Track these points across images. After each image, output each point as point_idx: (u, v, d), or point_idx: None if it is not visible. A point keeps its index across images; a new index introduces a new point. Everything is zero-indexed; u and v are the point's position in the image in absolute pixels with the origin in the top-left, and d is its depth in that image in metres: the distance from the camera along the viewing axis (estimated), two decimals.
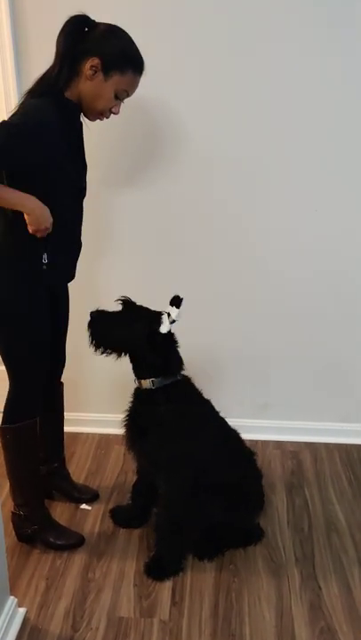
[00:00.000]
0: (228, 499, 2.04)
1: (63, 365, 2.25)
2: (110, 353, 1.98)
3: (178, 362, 2.00)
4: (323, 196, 2.46)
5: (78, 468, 2.57)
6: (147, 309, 1.97)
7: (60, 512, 2.31)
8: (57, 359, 2.20)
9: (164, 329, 1.90)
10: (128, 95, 1.85)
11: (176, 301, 1.90)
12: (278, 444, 2.78)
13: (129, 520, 2.25)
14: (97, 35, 1.75)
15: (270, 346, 2.70)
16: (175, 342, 1.99)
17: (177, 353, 2.00)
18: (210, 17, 2.25)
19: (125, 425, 2.05)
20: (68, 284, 2.11)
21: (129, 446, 2.07)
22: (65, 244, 1.92)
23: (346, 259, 2.55)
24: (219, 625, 1.84)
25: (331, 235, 2.52)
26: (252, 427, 2.77)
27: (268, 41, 2.27)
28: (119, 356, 1.98)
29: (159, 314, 1.92)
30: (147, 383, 1.97)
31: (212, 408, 2.11)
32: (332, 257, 2.55)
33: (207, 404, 2.10)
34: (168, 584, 1.99)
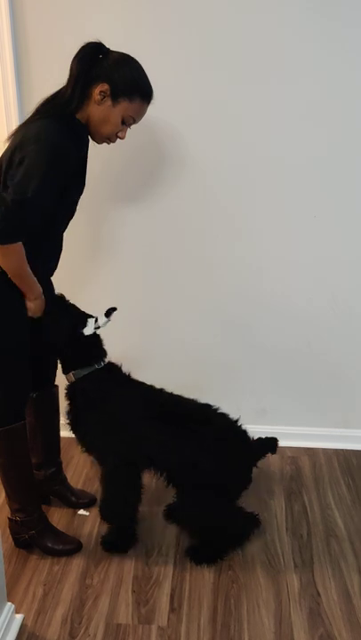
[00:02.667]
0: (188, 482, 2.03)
1: (56, 367, 2.24)
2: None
3: (97, 353, 2.08)
4: (322, 202, 2.47)
5: (76, 473, 2.56)
6: (76, 309, 2.05)
7: (58, 517, 2.29)
8: (47, 362, 2.19)
9: (87, 331, 2.00)
10: (135, 122, 1.90)
11: (108, 312, 2.01)
12: (277, 450, 2.76)
13: None
14: (109, 62, 1.81)
15: (269, 351, 2.69)
16: (99, 340, 2.07)
17: (98, 347, 2.08)
18: (212, 32, 2.26)
19: (68, 423, 2.11)
20: (67, 294, 2.11)
21: (78, 442, 2.12)
22: (50, 254, 2.00)
23: (345, 264, 2.55)
24: (217, 631, 1.83)
25: (330, 241, 2.52)
26: (250, 432, 2.75)
27: (268, 50, 2.28)
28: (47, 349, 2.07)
29: (86, 316, 2.02)
30: (70, 376, 2.06)
31: (137, 385, 2.10)
32: (331, 263, 2.55)
33: (130, 384, 2.10)
34: (166, 590, 1.97)
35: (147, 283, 2.60)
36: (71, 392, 2.08)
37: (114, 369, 2.10)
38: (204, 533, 2.11)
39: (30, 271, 1.82)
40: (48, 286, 2.08)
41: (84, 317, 2.03)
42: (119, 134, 1.91)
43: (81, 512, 2.33)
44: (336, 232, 2.51)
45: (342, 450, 2.78)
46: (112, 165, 2.44)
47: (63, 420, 2.32)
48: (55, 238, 1.98)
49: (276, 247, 2.54)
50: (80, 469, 2.60)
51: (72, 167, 1.81)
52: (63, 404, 2.29)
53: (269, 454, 2.18)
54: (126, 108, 1.84)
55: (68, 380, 2.08)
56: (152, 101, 1.89)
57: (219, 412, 2.09)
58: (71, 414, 2.08)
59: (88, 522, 2.29)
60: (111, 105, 1.82)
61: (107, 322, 2.01)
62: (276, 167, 2.43)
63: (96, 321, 2.00)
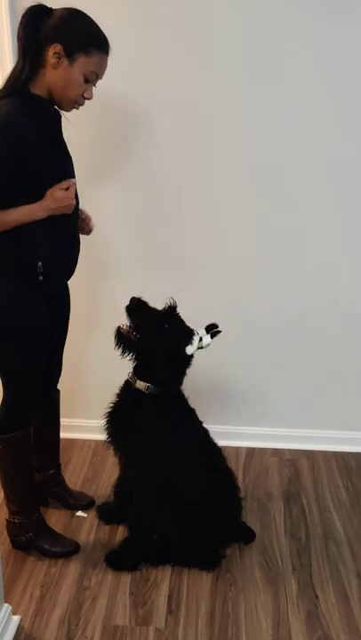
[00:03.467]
0: (188, 516, 2.01)
1: (59, 373, 2.24)
2: (127, 346, 1.94)
3: (180, 381, 2.02)
4: (322, 203, 2.47)
5: (74, 475, 2.55)
6: (184, 324, 1.97)
7: (56, 519, 2.29)
8: (53, 367, 2.18)
9: (190, 350, 1.91)
10: (98, 77, 1.78)
11: (213, 330, 1.92)
12: (276, 452, 2.76)
13: (110, 516, 2.27)
14: (55, 21, 1.70)
15: (268, 353, 2.69)
16: (189, 365, 1.99)
17: (184, 375, 2.00)
18: (211, 27, 2.27)
19: (107, 419, 2.05)
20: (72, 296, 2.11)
21: (109, 440, 2.06)
22: (60, 242, 1.88)
23: (345, 265, 2.55)
24: (215, 633, 1.82)
25: (330, 242, 2.52)
26: (249, 434, 2.76)
27: (270, 46, 2.29)
28: (130, 352, 1.95)
29: (192, 334, 1.93)
30: (141, 385, 1.98)
31: (196, 421, 2.09)
32: (331, 264, 2.55)
33: (193, 417, 2.08)
34: (164, 592, 1.97)
35: (147, 282, 2.59)
36: (135, 399, 1.99)
37: (181, 398, 2.05)
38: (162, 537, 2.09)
39: (13, 214, 1.72)
40: (64, 294, 2.06)
41: (190, 334, 1.92)
42: (85, 94, 1.77)
43: (79, 514, 2.33)
44: (337, 233, 2.51)
45: (341, 452, 2.77)
46: (111, 165, 2.44)
47: (64, 422, 2.34)
48: (56, 222, 1.82)
49: (277, 248, 2.54)
50: (78, 471, 2.59)
51: (30, 144, 1.70)
52: (63, 408, 2.31)
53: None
54: (85, 64, 1.71)
55: (136, 384, 1.99)
56: (111, 53, 1.76)
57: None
58: (123, 417, 2.01)
59: (86, 524, 2.28)
60: (68, 64, 1.70)
61: (209, 343, 1.91)
62: (276, 168, 2.43)
63: (200, 340, 1.90)
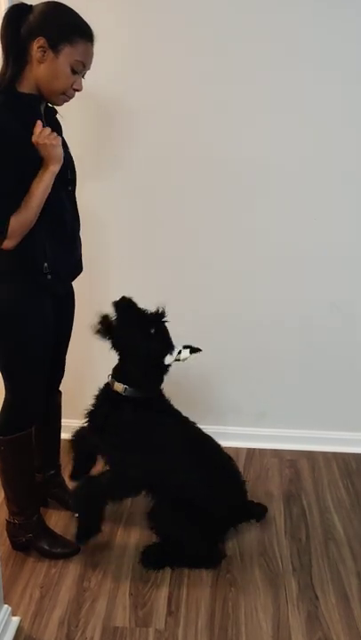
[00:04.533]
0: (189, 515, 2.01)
1: (62, 375, 2.24)
2: (109, 339, 1.97)
3: (157, 387, 2.04)
4: (322, 204, 2.47)
5: None
6: (167, 335, 1.99)
7: (56, 520, 2.29)
8: (56, 369, 2.18)
9: (167, 360, 1.95)
10: (85, 67, 1.76)
11: (194, 349, 1.97)
12: (276, 453, 2.76)
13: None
14: (36, 15, 1.70)
15: (268, 354, 2.69)
16: (166, 372, 2.02)
17: (161, 381, 2.03)
18: (213, 24, 2.27)
19: (86, 419, 2.08)
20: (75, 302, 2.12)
21: (91, 432, 2.09)
22: (63, 242, 1.89)
23: (347, 266, 2.55)
24: (215, 635, 1.82)
25: (330, 242, 2.52)
26: (249, 435, 2.75)
27: (269, 45, 2.29)
28: (113, 347, 1.98)
29: (172, 347, 1.96)
30: (119, 387, 2.00)
31: (181, 422, 2.10)
32: (333, 265, 2.55)
33: (175, 418, 2.09)
34: (164, 593, 1.97)
35: (148, 281, 2.59)
36: (112, 401, 2.02)
37: (161, 400, 2.07)
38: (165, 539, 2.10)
39: (35, 192, 1.72)
40: (69, 296, 2.08)
41: (170, 346, 1.96)
42: (75, 86, 1.76)
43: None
44: (338, 234, 2.51)
45: (341, 453, 2.77)
46: (111, 165, 2.44)
47: (65, 423, 2.33)
48: (57, 221, 1.84)
49: (278, 249, 2.54)
50: None
51: (19, 143, 1.70)
52: (64, 409, 2.30)
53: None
54: (70, 54, 1.70)
55: (114, 385, 2.01)
56: (96, 42, 1.74)
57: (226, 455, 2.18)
58: (98, 418, 2.04)
59: None
60: (54, 56, 1.69)
61: (187, 358, 1.95)
62: (276, 169, 2.43)
63: (179, 353, 1.95)
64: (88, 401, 2.75)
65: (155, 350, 1.96)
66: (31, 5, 1.73)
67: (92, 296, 2.51)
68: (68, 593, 1.96)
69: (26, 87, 1.75)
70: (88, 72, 1.79)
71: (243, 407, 2.77)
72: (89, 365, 2.64)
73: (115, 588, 1.99)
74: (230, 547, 2.17)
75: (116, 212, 2.51)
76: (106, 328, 1.96)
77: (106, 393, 2.06)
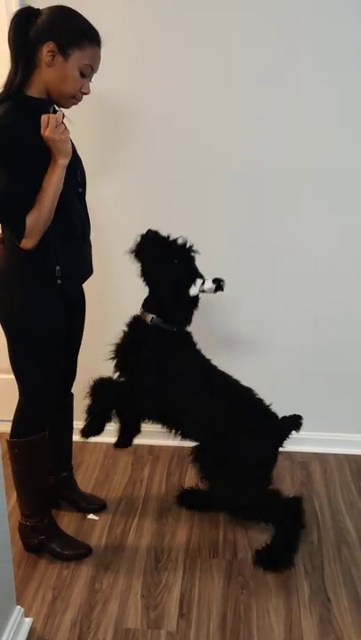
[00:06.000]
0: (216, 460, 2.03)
1: (74, 377, 2.25)
2: (138, 261, 1.99)
3: (184, 318, 2.03)
4: (332, 207, 2.46)
5: (86, 478, 2.56)
6: (194, 265, 2.00)
7: (68, 522, 2.30)
8: (68, 372, 2.19)
9: (192, 291, 1.95)
10: (93, 70, 1.79)
11: (218, 283, 1.94)
12: (287, 455, 2.75)
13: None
14: (44, 20, 1.71)
15: (280, 355, 2.69)
16: (195, 306, 2.02)
17: (190, 313, 2.03)
18: (214, 26, 2.27)
19: (115, 348, 2.06)
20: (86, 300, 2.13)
21: (116, 368, 2.07)
22: (74, 244, 1.91)
23: (357, 267, 2.54)
24: (227, 637, 1.82)
25: (339, 244, 2.51)
26: None
27: (269, 45, 2.29)
28: (141, 276, 1.99)
29: (198, 277, 1.96)
30: (147, 316, 2.01)
31: (200, 359, 2.09)
32: (342, 265, 2.54)
33: (195, 354, 2.09)
34: (176, 595, 1.97)
35: None
36: (139, 329, 2.02)
37: (185, 337, 2.07)
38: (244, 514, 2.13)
39: (48, 189, 1.73)
40: (80, 298, 2.09)
41: (196, 276, 1.96)
42: (83, 89, 1.78)
43: (91, 517, 2.33)
44: (347, 235, 2.50)
45: (353, 455, 2.76)
46: (114, 165, 2.45)
47: (76, 425, 2.34)
48: (68, 224, 1.86)
49: (284, 250, 2.53)
50: (90, 474, 2.60)
51: (29, 146, 1.72)
52: (75, 410, 2.31)
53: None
54: (79, 58, 1.72)
55: (143, 315, 2.02)
56: (105, 48, 1.76)
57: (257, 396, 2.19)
58: (124, 342, 2.04)
59: (97, 526, 2.28)
60: (63, 60, 1.71)
61: (211, 289, 1.94)
62: (285, 171, 2.43)
63: (203, 283, 1.95)
64: None
65: (178, 278, 1.95)
66: (39, 9, 1.74)
67: (102, 298, 2.53)
68: (80, 595, 1.97)
69: (34, 91, 1.77)
70: (93, 75, 1.82)
71: None
72: (100, 368, 2.65)
73: (126, 589, 1.99)
74: (242, 548, 2.17)
75: (126, 214, 2.51)
76: (138, 250, 1.97)
77: (133, 322, 2.06)
